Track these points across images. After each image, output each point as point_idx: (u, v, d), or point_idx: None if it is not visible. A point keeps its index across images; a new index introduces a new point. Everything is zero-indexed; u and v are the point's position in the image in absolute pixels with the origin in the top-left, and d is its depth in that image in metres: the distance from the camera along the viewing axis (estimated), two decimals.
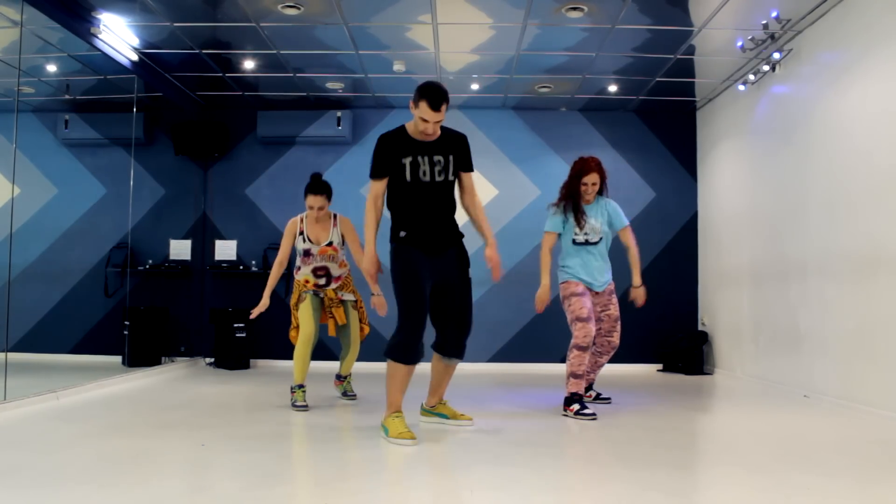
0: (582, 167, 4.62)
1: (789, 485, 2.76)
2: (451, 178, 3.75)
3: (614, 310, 4.70)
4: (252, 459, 3.12)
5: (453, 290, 3.79)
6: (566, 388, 4.46)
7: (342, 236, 4.72)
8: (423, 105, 3.57)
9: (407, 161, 3.66)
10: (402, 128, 3.75)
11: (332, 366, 6.79)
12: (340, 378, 5.05)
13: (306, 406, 4.49)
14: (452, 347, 3.86)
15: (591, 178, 4.60)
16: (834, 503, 2.55)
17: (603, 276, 4.65)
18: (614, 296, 4.74)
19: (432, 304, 3.78)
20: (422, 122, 3.61)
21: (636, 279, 4.78)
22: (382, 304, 4.21)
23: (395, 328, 3.69)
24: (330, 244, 4.67)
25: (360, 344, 4.89)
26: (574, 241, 4.62)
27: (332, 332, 4.80)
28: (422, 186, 3.69)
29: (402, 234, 3.74)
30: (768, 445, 3.59)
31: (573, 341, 4.46)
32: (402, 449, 3.37)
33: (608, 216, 4.71)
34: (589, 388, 4.93)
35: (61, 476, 2.76)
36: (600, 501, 2.55)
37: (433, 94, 3.57)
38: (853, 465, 3.13)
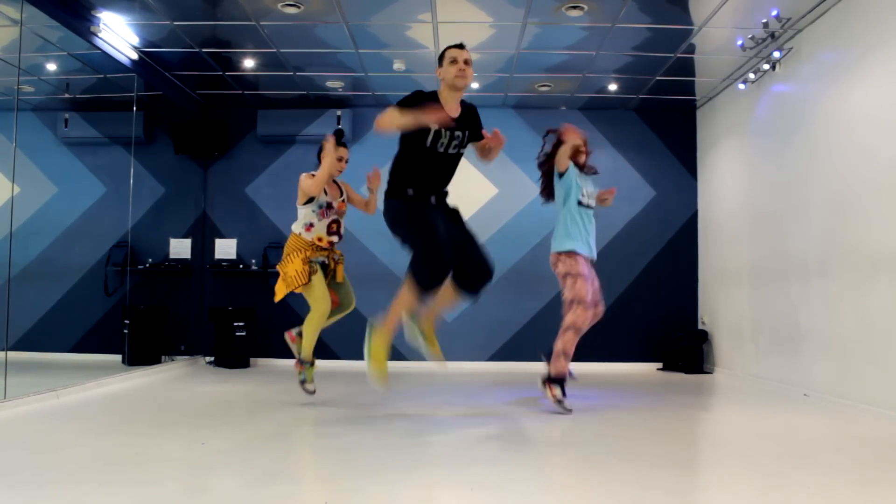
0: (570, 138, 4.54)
1: (789, 483, 2.76)
2: (462, 151, 3.89)
3: (596, 281, 4.64)
4: (252, 458, 3.12)
5: (464, 230, 3.95)
6: (551, 365, 4.34)
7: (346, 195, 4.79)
8: (449, 51, 3.79)
9: (433, 128, 3.71)
10: (436, 93, 3.84)
11: (332, 364, 6.81)
12: (304, 363, 4.63)
13: (314, 391, 4.46)
14: (477, 282, 3.90)
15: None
16: (834, 502, 2.55)
17: (594, 245, 4.59)
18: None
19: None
20: (454, 66, 3.74)
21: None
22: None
23: (419, 263, 3.66)
24: (343, 200, 4.72)
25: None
26: (580, 203, 4.50)
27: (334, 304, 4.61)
28: (436, 156, 3.79)
29: (410, 191, 3.81)
30: (768, 444, 3.59)
31: (572, 321, 4.32)
32: (401, 447, 3.36)
33: (595, 187, 4.76)
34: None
35: (61, 475, 2.76)
36: (601, 500, 2.55)
37: (452, 44, 3.83)
38: (853, 464, 3.13)
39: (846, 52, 4.80)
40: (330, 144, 4.51)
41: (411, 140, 3.77)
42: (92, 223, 7.38)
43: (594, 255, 4.59)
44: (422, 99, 3.74)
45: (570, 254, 4.43)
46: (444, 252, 3.63)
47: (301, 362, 4.54)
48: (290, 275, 4.41)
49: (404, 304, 3.70)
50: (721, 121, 7.02)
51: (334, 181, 4.73)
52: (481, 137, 3.99)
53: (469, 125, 3.89)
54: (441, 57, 3.86)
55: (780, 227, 5.71)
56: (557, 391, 4.26)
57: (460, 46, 3.82)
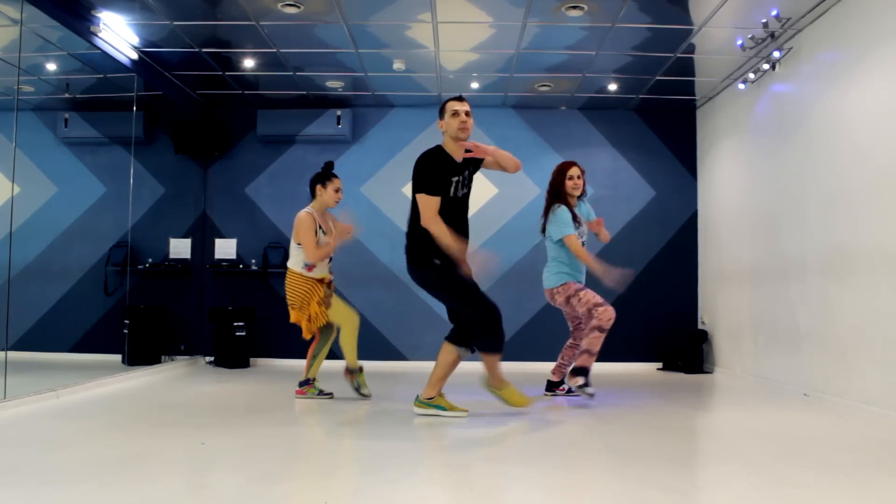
0: (562, 165, 4.96)
1: (789, 483, 2.76)
2: (470, 188, 4.11)
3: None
4: (252, 457, 3.12)
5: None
6: (577, 361, 4.67)
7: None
8: (450, 104, 3.98)
9: (454, 179, 3.95)
10: (440, 148, 4.00)
11: (333, 364, 6.79)
12: (353, 372, 4.87)
13: (370, 394, 4.77)
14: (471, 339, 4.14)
15: (576, 171, 4.89)
16: (833, 501, 2.55)
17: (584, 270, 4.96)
18: None
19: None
20: (456, 119, 3.92)
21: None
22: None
23: (484, 327, 3.97)
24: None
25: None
26: (581, 244, 4.85)
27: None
28: (457, 201, 4.01)
29: (437, 262, 3.92)
30: (768, 443, 3.59)
31: (599, 323, 4.62)
32: (401, 447, 3.37)
33: (587, 214, 5.03)
34: (562, 381, 5.08)
35: (61, 474, 2.76)
36: (600, 499, 2.55)
37: (451, 97, 4.03)
38: (853, 464, 3.13)
39: (846, 51, 4.80)
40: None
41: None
42: (92, 223, 7.38)
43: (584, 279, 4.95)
44: (440, 164, 3.91)
45: (564, 283, 4.80)
46: (492, 304, 3.96)
47: (350, 371, 4.80)
48: (313, 316, 4.65)
49: (495, 363, 4.09)
50: (721, 121, 7.02)
51: (328, 214, 4.89)
52: (480, 161, 4.16)
53: (472, 162, 4.08)
54: (442, 110, 4.03)
55: (780, 226, 5.71)
56: (579, 380, 4.60)
57: (460, 99, 4.01)
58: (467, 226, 4.11)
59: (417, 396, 4.19)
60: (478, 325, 3.98)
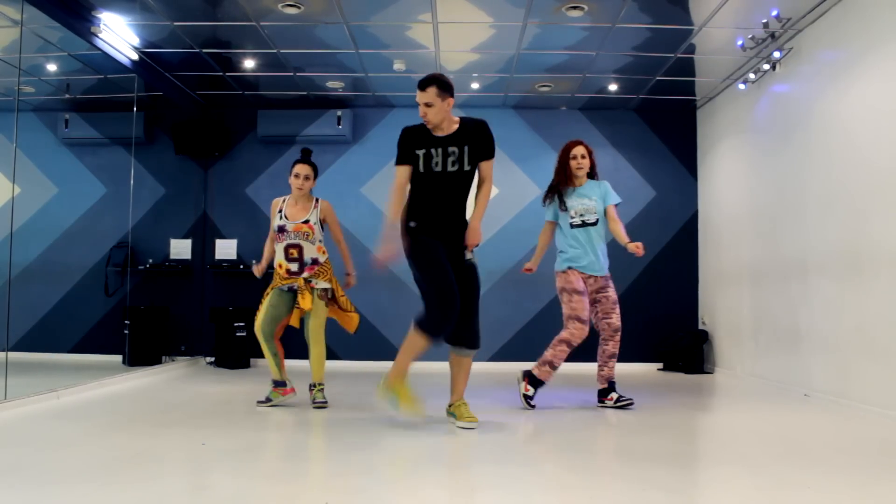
0: (567, 144, 4.76)
1: (789, 483, 2.76)
2: (466, 168, 3.84)
3: (612, 293, 4.63)
4: (252, 458, 3.12)
5: (462, 276, 3.83)
6: (536, 367, 4.54)
7: (322, 220, 4.63)
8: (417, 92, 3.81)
9: (420, 153, 3.81)
10: (423, 125, 3.92)
11: (333, 365, 6.79)
12: (311, 387, 4.65)
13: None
14: (465, 336, 3.87)
15: (580, 150, 4.69)
16: (833, 501, 2.55)
17: (603, 259, 4.63)
18: (611, 282, 4.68)
19: None
20: (419, 109, 3.80)
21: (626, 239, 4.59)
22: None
23: (427, 307, 3.71)
24: (306, 222, 4.56)
25: (323, 342, 4.56)
26: (571, 225, 4.62)
27: (294, 321, 4.56)
28: (433, 177, 3.82)
29: (412, 224, 3.84)
30: (768, 444, 3.59)
31: (565, 336, 4.47)
32: (402, 447, 3.36)
33: (603, 195, 4.70)
34: (612, 388, 4.65)
35: (62, 475, 2.76)
36: (601, 500, 2.55)
37: (421, 79, 3.82)
38: (853, 464, 3.13)
39: (846, 51, 4.80)
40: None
41: (413, 170, 3.84)
42: (92, 224, 7.39)
43: (600, 271, 4.61)
44: (406, 137, 3.85)
45: (565, 270, 4.59)
46: (447, 291, 3.66)
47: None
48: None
49: (412, 349, 3.73)
50: (721, 121, 7.02)
51: (314, 204, 4.70)
52: (489, 154, 3.90)
53: (469, 140, 3.83)
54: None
55: (780, 226, 5.71)
56: (530, 389, 4.52)
57: (421, 87, 3.78)
58: (455, 205, 3.89)
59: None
60: (427, 302, 3.72)
